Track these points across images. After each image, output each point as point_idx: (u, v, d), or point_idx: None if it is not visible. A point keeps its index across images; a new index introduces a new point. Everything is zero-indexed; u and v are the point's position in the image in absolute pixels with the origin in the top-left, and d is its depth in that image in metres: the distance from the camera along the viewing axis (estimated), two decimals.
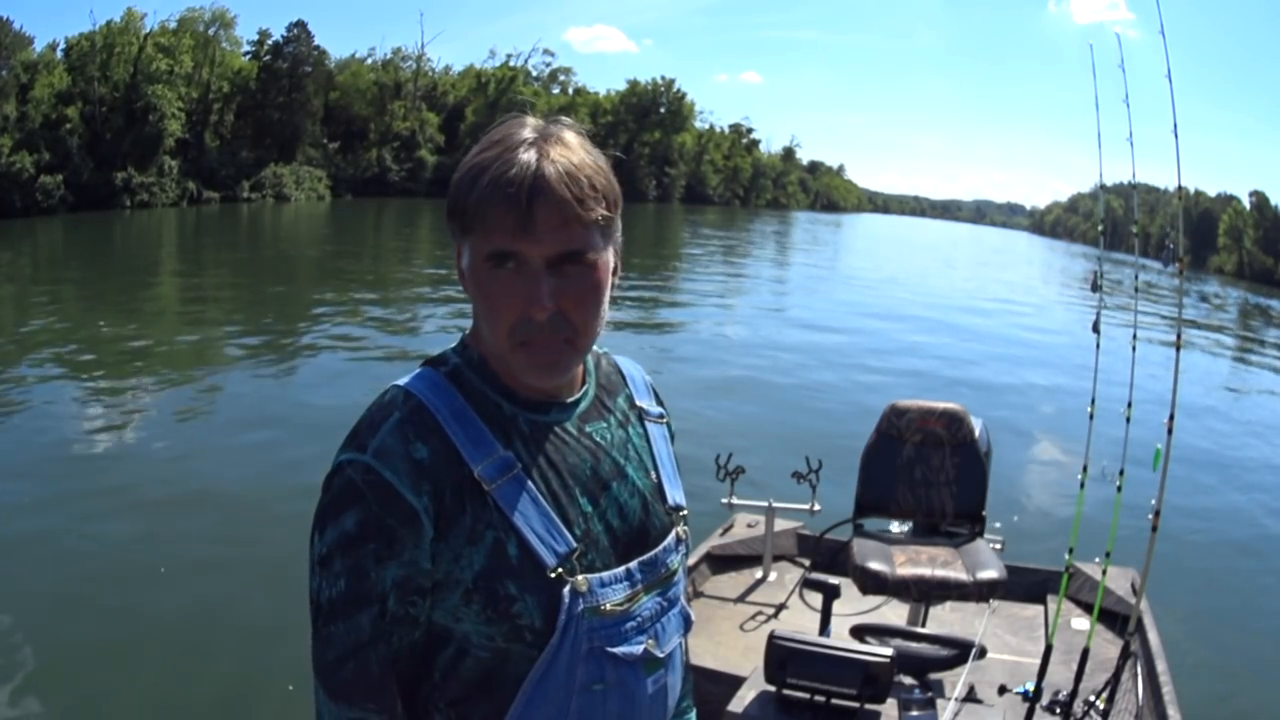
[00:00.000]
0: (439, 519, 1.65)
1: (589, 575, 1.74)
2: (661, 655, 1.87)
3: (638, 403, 2.04)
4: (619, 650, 1.77)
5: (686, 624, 1.98)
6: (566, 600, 1.70)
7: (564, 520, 1.73)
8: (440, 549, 1.65)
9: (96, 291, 25.07)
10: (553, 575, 1.69)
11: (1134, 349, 5.06)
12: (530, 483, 1.72)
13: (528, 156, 1.64)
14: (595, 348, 1.96)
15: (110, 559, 8.45)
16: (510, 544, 1.67)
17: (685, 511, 2.01)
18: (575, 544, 1.73)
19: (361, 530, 1.63)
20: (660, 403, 2.13)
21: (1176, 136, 4.61)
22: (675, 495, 1.99)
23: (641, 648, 1.81)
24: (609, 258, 1.75)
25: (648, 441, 2.00)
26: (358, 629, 1.65)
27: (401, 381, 1.78)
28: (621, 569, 1.80)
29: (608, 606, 1.76)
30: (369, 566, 1.63)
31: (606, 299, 1.77)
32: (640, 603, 1.82)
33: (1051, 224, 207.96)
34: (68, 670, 6.67)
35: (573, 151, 1.68)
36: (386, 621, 1.65)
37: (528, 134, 1.68)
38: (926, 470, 5.90)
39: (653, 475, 1.95)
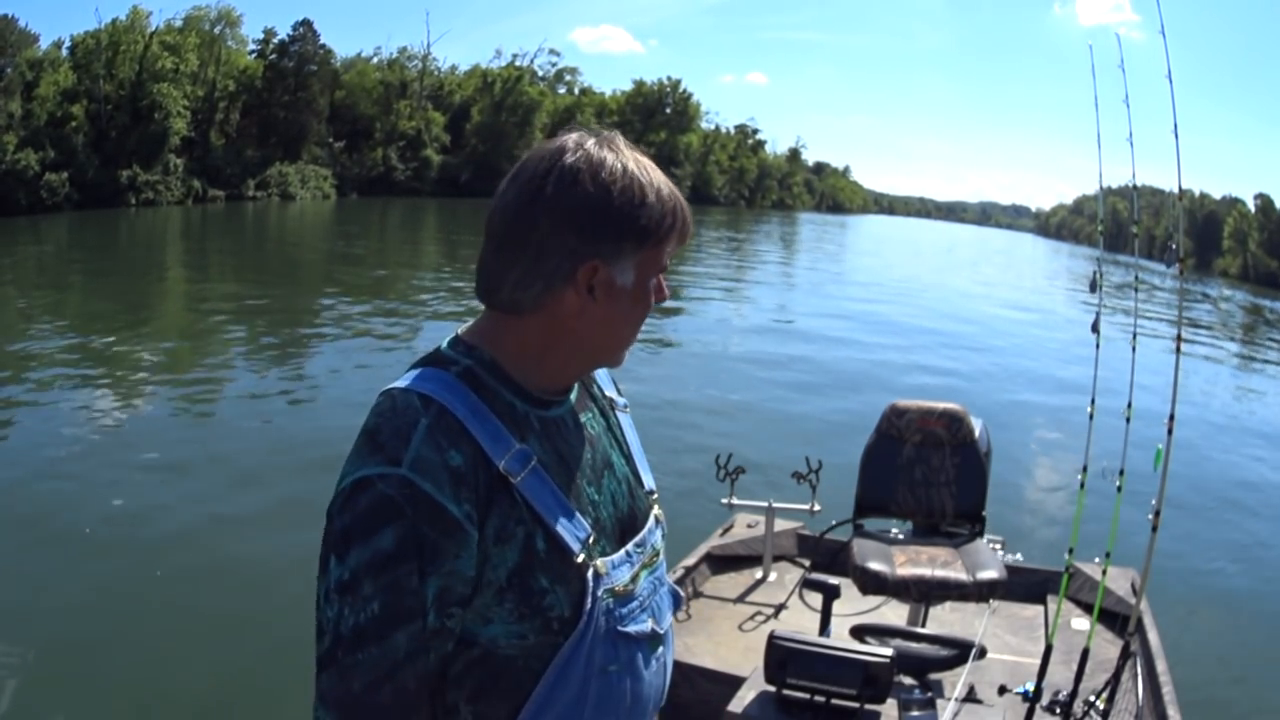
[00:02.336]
0: (481, 521, 1.64)
1: (604, 558, 1.78)
2: (662, 632, 1.93)
3: (606, 393, 2.09)
4: (631, 629, 1.82)
5: (676, 601, 2.05)
6: (591, 584, 1.73)
7: (579, 508, 1.77)
8: (484, 544, 1.65)
9: (101, 289, 25.10)
10: (579, 561, 1.72)
11: (1134, 349, 5.06)
12: (548, 474, 1.74)
13: (655, 170, 1.79)
14: None
15: (113, 558, 8.44)
16: (538, 538, 1.69)
17: (656, 494, 2.06)
18: (590, 530, 1.77)
19: (401, 547, 1.58)
20: (620, 393, 2.18)
21: (1177, 137, 4.62)
22: (648, 479, 2.05)
23: (649, 625, 1.87)
24: None
25: (620, 429, 2.07)
26: (393, 649, 1.59)
27: (405, 384, 1.73)
28: (622, 551, 1.84)
29: (620, 587, 1.80)
30: (409, 584, 1.59)
31: None
32: (640, 582, 1.87)
33: (1056, 226, 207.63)
34: (72, 669, 6.68)
35: None
36: (426, 635, 1.61)
37: (634, 152, 1.80)
38: (926, 470, 5.90)
39: (630, 461, 2.02)
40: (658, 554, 1.97)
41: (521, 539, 1.67)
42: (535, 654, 1.70)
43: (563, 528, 1.71)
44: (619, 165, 1.72)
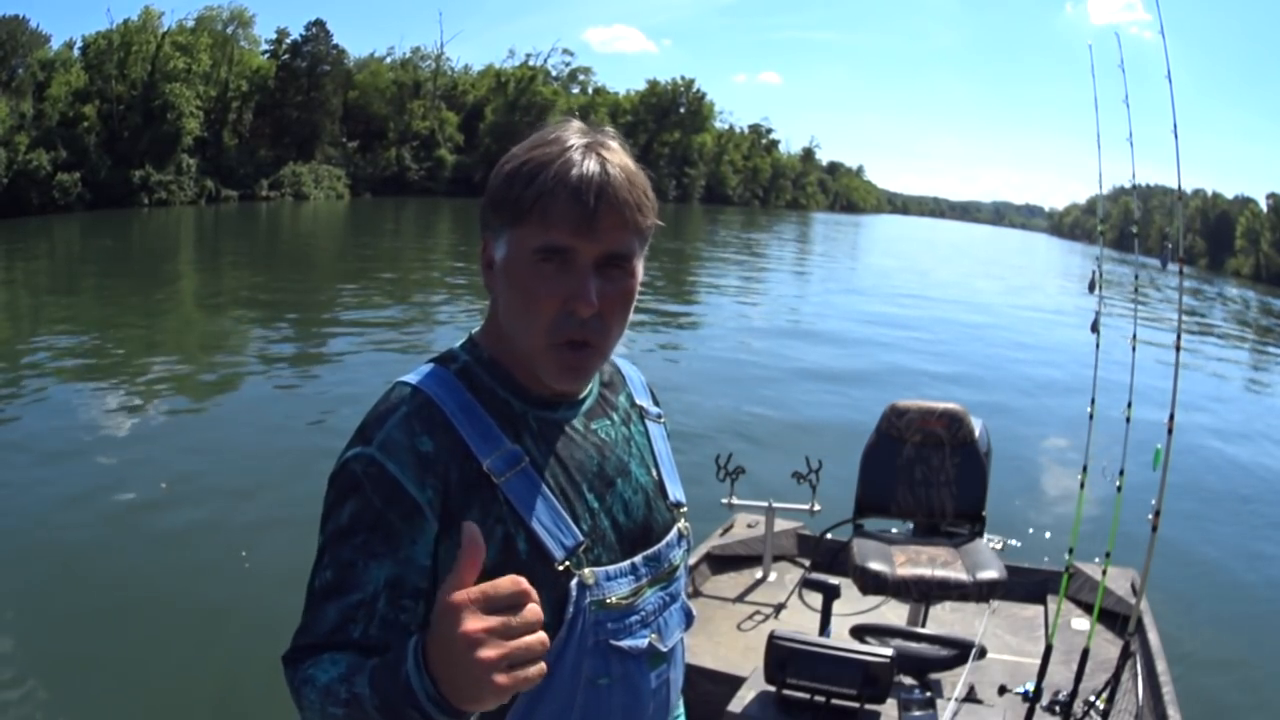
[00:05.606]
0: (444, 513, 1.66)
1: (595, 569, 1.76)
2: (665, 649, 1.89)
3: (637, 401, 2.06)
4: (624, 644, 1.80)
5: (688, 619, 2.00)
6: (574, 593, 1.72)
7: (571, 514, 1.76)
8: (445, 545, 1.66)
9: (114, 289, 25.19)
10: (560, 568, 1.72)
11: (1134, 349, 5.05)
12: (538, 477, 1.75)
13: (590, 157, 1.68)
14: None
15: (121, 559, 8.47)
16: (519, 539, 1.70)
17: (685, 508, 2.04)
18: (582, 538, 1.76)
19: (354, 522, 1.65)
20: (656, 402, 2.15)
21: (1176, 137, 4.62)
22: (676, 492, 2.02)
23: (646, 641, 1.84)
24: (641, 267, 1.79)
25: (648, 439, 2.03)
26: (322, 617, 1.65)
27: (409, 378, 1.80)
28: (627, 563, 1.83)
29: (613, 600, 1.78)
30: (356, 559, 1.64)
31: (632, 307, 1.80)
32: (644, 597, 1.85)
33: (1069, 225, 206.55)
34: (78, 666, 6.70)
35: (627, 159, 1.74)
36: (371, 618, 1.63)
37: (581, 139, 1.72)
38: (926, 470, 5.89)
39: (654, 472, 1.99)
40: (674, 570, 1.95)
41: (500, 538, 1.69)
42: None
43: (546, 532, 1.72)
44: (527, 149, 1.73)
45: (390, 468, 1.65)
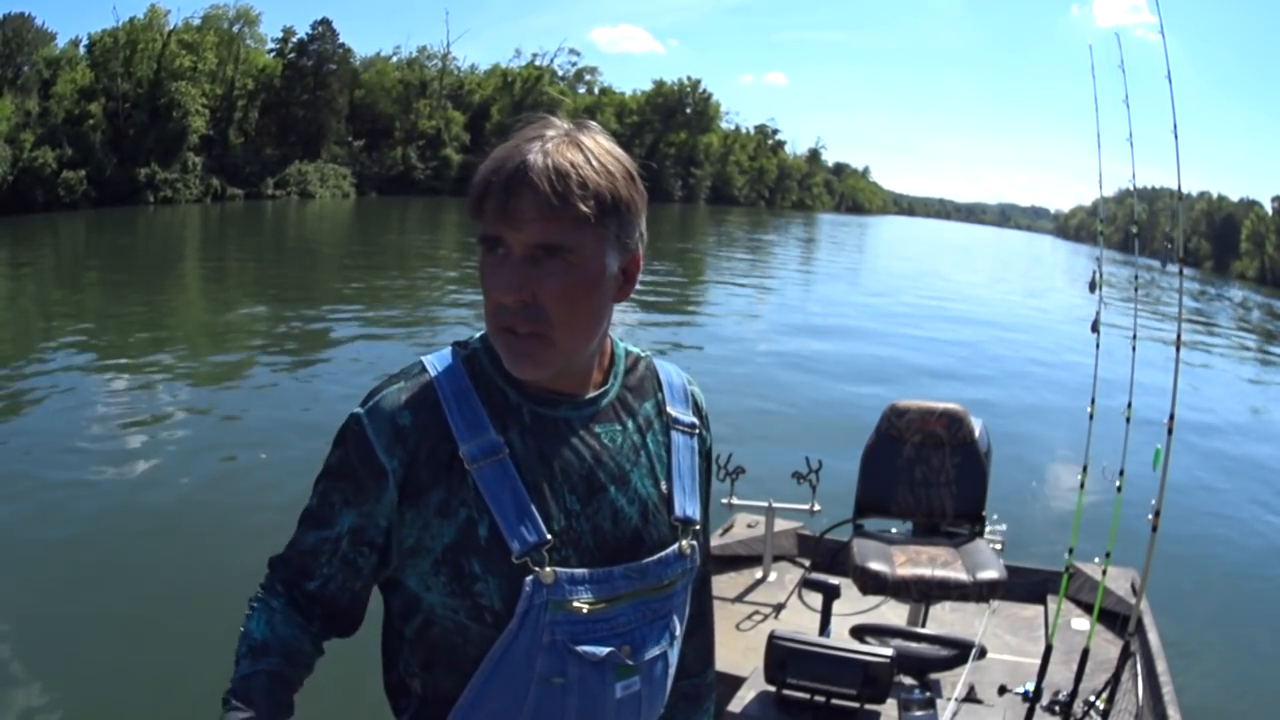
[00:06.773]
0: (406, 483, 1.74)
1: (559, 569, 1.75)
2: (633, 663, 1.86)
3: (667, 409, 2.00)
4: (581, 649, 1.78)
5: (671, 638, 1.96)
6: (528, 589, 1.73)
7: (543, 513, 1.76)
8: (409, 515, 1.75)
9: (121, 287, 25.21)
10: (516, 562, 1.72)
11: (1134, 349, 5.06)
12: (515, 470, 1.76)
13: (526, 150, 1.67)
14: (636, 350, 2.02)
15: (126, 559, 8.47)
16: (481, 525, 1.73)
17: (697, 526, 1.99)
18: (548, 537, 1.75)
19: (337, 467, 1.82)
20: (700, 414, 2.08)
21: (1176, 138, 4.63)
22: (687, 508, 1.96)
23: (607, 650, 1.81)
24: (607, 260, 1.74)
25: (666, 450, 1.97)
26: (303, 541, 1.88)
27: (425, 356, 1.87)
28: (601, 570, 1.81)
29: (575, 604, 1.77)
30: (334, 499, 1.82)
31: (600, 301, 1.76)
32: (618, 607, 1.82)
33: (1075, 227, 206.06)
34: (83, 666, 6.69)
35: (577, 151, 1.69)
36: (336, 553, 1.84)
37: (543, 131, 1.72)
38: (926, 470, 5.89)
39: (663, 485, 1.93)
40: (665, 586, 1.90)
41: (463, 520, 1.74)
42: (474, 640, 1.76)
43: (509, 524, 1.73)
44: (504, 144, 1.75)
45: (369, 431, 1.77)
